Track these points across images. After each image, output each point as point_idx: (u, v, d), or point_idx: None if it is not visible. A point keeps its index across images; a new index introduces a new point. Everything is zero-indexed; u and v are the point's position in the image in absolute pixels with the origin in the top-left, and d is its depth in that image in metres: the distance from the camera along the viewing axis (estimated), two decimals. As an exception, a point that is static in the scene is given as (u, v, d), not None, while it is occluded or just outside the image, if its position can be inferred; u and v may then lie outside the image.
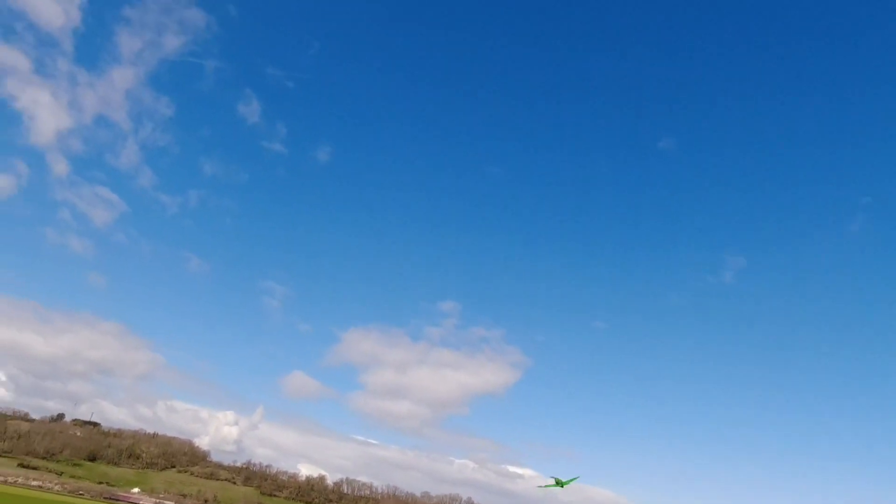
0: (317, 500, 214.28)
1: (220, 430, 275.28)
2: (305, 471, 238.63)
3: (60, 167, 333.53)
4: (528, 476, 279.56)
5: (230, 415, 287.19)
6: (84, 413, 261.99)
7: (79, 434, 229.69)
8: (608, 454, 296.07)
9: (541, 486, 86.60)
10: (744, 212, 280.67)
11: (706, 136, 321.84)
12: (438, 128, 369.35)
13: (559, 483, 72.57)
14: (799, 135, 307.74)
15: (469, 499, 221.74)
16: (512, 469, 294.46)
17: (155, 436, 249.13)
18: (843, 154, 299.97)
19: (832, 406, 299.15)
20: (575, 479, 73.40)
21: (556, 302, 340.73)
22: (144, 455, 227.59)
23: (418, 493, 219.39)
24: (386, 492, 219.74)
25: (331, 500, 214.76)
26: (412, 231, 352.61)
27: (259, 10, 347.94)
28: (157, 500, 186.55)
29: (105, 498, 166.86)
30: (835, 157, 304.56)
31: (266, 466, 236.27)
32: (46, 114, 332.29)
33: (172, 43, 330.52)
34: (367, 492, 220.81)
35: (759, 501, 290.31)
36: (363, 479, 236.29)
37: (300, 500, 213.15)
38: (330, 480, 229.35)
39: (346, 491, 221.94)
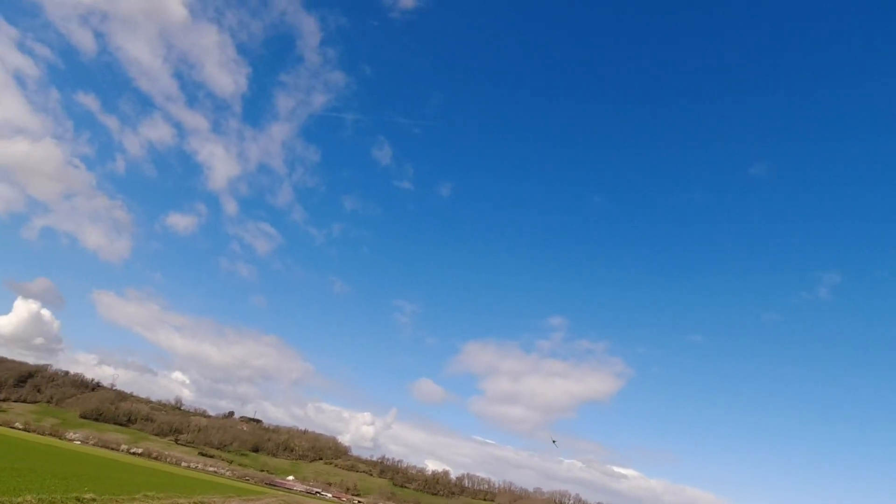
0: (441, 492, 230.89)
1: (359, 428, 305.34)
2: (432, 466, 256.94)
3: (231, 207, 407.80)
4: (631, 476, 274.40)
5: (367, 416, 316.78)
6: (249, 411, 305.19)
7: (245, 429, 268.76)
8: (706, 458, 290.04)
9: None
10: (839, 228, 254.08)
11: (798, 158, 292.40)
12: (543, 158, 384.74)
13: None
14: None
15: (577, 495, 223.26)
16: (616, 469, 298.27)
17: (305, 432, 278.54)
18: None
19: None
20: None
21: (656, 317, 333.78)
22: (297, 448, 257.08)
23: (531, 489, 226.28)
24: (502, 487, 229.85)
25: (453, 493, 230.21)
26: (523, 254, 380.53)
27: (390, 68, 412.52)
28: (308, 487, 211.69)
29: (266, 483, 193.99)
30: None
31: (398, 461, 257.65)
32: (220, 164, 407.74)
33: (319, 100, 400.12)
34: (486, 486, 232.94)
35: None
36: (482, 474, 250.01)
37: (427, 492, 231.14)
38: (453, 475, 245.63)
39: (466, 485, 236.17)
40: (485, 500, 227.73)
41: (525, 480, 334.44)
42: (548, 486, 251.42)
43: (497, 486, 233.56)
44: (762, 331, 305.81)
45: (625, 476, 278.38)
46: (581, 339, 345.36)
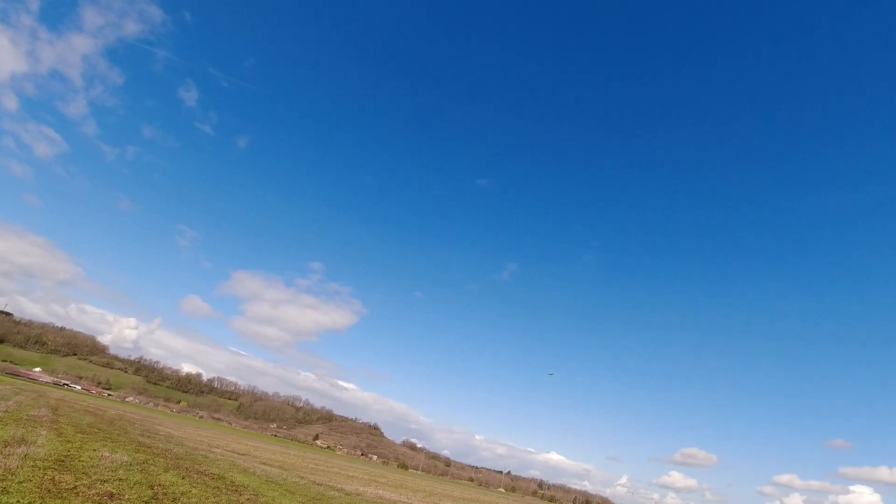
0: (192, 391, 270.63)
1: (122, 332, 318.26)
2: (187, 368, 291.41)
3: (10, 102, 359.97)
4: (351, 389, 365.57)
5: (132, 321, 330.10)
6: None
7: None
8: (409, 380, 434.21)
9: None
10: (517, 232, 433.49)
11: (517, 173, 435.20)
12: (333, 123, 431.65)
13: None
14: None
15: (307, 400, 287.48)
16: (341, 383, 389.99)
17: (62, 329, 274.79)
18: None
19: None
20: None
21: (391, 274, 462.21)
22: (50, 343, 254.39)
23: (270, 393, 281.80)
24: (246, 389, 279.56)
25: (203, 392, 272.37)
26: (297, 206, 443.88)
27: (209, 21, 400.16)
28: (56, 378, 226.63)
29: (7, 373, 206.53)
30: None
31: (155, 362, 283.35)
32: (4, 54, 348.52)
33: (132, 28, 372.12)
34: (233, 388, 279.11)
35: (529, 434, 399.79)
36: (231, 378, 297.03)
37: (179, 390, 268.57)
38: (205, 377, 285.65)
39: (216, 386, 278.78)
40: (230, 398, 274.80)
41: (268, 386, 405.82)
42: (285, 392, 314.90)
43: (242, 388, 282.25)
44: (465, 295, 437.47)
45: (346, 388, 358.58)
46: (333, 282, 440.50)
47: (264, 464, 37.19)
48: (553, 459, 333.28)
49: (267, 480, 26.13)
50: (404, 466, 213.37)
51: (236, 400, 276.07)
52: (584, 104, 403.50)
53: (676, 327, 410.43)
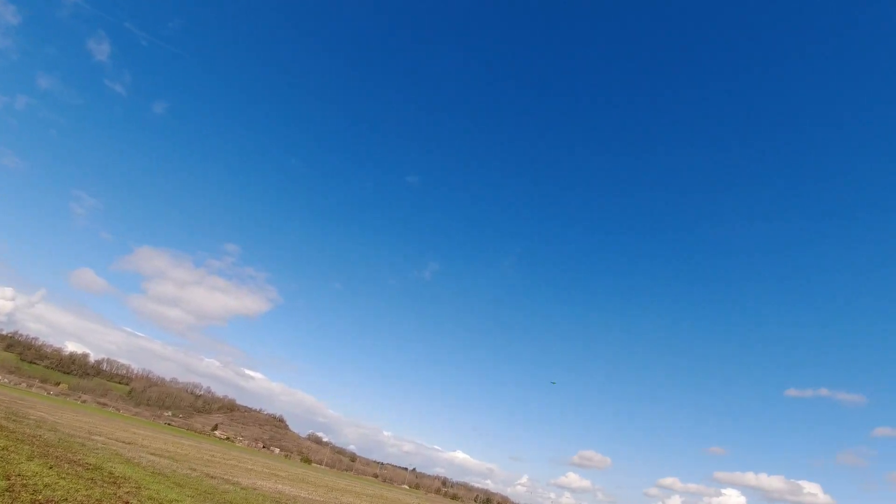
0: (76, 372, 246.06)
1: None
2: (72, 347, 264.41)
3: None
4: (258, 378, 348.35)
5: (9, 291, 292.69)
6: None
7: None
8: (317, 372, 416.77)
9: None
10: (441, 231, 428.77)
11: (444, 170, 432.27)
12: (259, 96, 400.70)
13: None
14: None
15: (209, 388, 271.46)
16: (248, 371, 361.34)
17: None
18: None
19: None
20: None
21: (309, 262, 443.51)
22: None
23: (168, 379, 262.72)
24: (140, 373, 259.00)
25: (88, 374, 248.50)
26: (213, 182, 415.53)
27: None
28: None
29: None
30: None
31: (33, 338, 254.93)
32: None
33: None
34: (125, 371, 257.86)
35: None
36: (124, 361, 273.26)
37: (59, 370, 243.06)
38: (93, 358, 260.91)
39: (105, 368, 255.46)
40: (120, 383, 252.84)
41: (166, 371, 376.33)
42: (185, 378, 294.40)
43: (136, 372, 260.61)
44: (385, 291, 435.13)
45: (253, 378, 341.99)
46: (248, 267, 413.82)
47: (153, 454, 34.31)
48: (458, 458, 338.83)
49: (153, 472, 24.01)
50: (307, 460, 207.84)
51: (128, 385, 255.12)
52: (524, 110, 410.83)
53: (581, 335, 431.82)
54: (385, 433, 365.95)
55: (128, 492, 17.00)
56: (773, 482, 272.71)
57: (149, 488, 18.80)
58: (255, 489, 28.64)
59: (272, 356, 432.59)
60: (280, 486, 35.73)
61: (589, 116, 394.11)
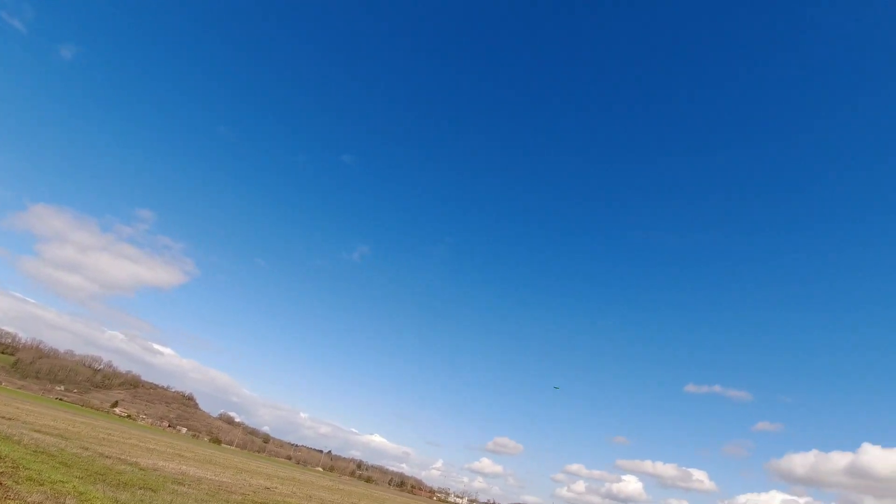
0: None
1: None
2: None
3: None
4: (167, 354, 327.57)
5: None
6: None
7: None
8: (240, 350, 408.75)
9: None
10: (373, 215, 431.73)
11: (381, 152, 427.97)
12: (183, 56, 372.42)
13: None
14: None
15: (110, 362, 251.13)
16: (156, 346, 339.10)
17: None
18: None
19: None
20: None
21: (232, 235, 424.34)
22: None
23: (62, 350, 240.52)
24: (29, 343, 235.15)
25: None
26: (125, 142, 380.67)
27: None
28: None
29: None
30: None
31: None
32: None
33: None
34: (10, 340, 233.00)
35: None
36: (10, 329, 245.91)
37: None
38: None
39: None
40: (4, 353, 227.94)
41: (61, 342, 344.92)
42: (83, 351, 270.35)
43: (24, 341, 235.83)
44: (311, 270, 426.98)
45: (161, 353, 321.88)
46: (163, 235, 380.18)
47: (38, 431, 31.20)
48: (375, 441, 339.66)
49: (35, 451, 21.76)
50: (217, 441, 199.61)
51: (13, 355, 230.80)
52: (462, 100, 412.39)
53: (504, 328, 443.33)
54: (302, 415, 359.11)
55: (1, 472, 15.23)
56: (667, 469, 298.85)
57: (28, 468, 16.96)
58: (155, 470, 26.85)
59: (185, 332, 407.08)
60: (184, 466, 33.80)
61: (525, 108, 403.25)
